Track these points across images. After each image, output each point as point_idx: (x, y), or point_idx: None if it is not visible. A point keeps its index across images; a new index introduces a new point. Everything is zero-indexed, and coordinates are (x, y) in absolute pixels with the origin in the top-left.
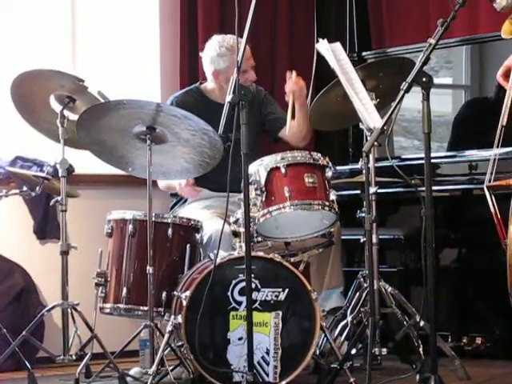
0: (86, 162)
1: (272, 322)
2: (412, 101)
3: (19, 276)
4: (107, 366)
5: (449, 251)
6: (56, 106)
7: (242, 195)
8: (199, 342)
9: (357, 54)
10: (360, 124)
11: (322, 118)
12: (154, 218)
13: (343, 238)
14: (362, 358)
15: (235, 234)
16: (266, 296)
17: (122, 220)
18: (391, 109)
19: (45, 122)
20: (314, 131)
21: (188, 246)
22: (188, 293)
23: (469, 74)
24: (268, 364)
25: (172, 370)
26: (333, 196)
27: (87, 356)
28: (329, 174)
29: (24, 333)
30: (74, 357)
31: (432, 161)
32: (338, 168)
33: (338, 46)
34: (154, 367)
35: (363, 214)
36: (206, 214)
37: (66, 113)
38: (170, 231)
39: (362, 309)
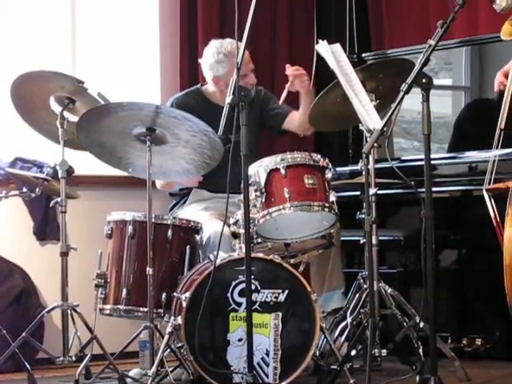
0: (86, 163)
1: (272, 324)
2: (412, 102)
3: (19, 277)
4: (107, 367)
5: (448, 252)
6: (56, 108)
7: (241, 196)
8: (199, 343)
9: (356, 55)
10: (360, 125)
11: (322, 119)
12: (153, 220)
13: (343, 239)
14: (362, 359)
15: (235, 235)
16: (266, 297)
17: (122, 221)
18: (391, 110)
19: (45, 124)
20: (314, 132)
21: (188, 247)
22: (188, 294)
23: (468, 75)
24: (268, 365)
25: (172, 372)
26: (332, 197)
27: (87, 357)
28: (329, 175)
29: (24, 334)
30: (73, 358)
31: (432, 162)
32: (338, 169)
33: (337, 47)
34: (153, 368)
35: (363, 216)
36: (205, 215)
37: (66, 114)
38: (169, 232)
39: (361, 310)
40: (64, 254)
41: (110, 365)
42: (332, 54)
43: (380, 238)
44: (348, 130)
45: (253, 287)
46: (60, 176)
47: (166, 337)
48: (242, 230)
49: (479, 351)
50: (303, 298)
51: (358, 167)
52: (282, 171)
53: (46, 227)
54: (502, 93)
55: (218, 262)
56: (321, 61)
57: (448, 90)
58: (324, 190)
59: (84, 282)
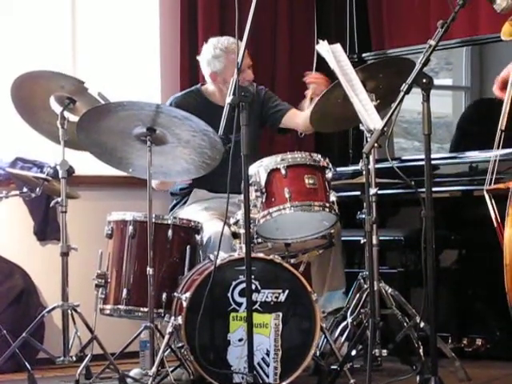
0: (86, 164)
1: (272, 324)
2: (412, 102)
3: (19, 277)
4: (107, 367)
5: (449, 252)
6: (56, 108)
7: (242, 196)
8: (199, 343)
9: (357, 56)
10: (360, 125)
11: (323, 120)
12: (154, 220)
13: (343, 239)
14: (363, 360)
15: (235, 235)
16: (266, 297)
17: (122, 221)
18: (391, 110)
19: (45, 124)
20: (314, 132)
21: (188, 247)
22: (188, 294)
23: (469, 75)
24: (268, 365)
25: (172, 372)
26: (333, 197)
27: (87, 357)
28: (329, 175)
29: (24, 334)
30: (74, 358)
31: (432, 162)
32: (339, 169)
33: (338, 47)
34: (154, 368)
35: (363, 216)
36: (205, 215)
37: (66, 114)
38: (170, 232)
39: (362, 310)
40: (64, 254)
41: (110, 365)
42: (332, 54)
43: (380, 237)
44: (348, 130)
45: (253, 287)
46: (60, 176)
47: (167, 337)
48: (242, 230)
49: (480, 351)
50: (303, 298)
51: (358, 167)
52: (283, 171)
53: (47, 227)
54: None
55: (219, 262)
56: (321, 61)
57: (448, 90)
58: (324, 190)
59: (84, 282)
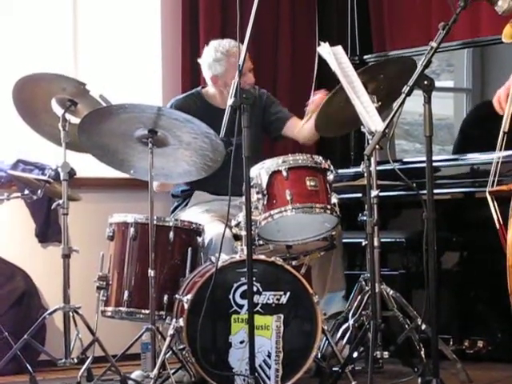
0: (88, 166)
1: (273, 326)
2: (413, 104)
3: (21, 279)
4: (109, 369)
5: (450, 254)
6: (58, 110)
7: (243, 198)
8: (201, 345)
9: (358, 57)
10: (362, 127)
11: (328, 125)
12: (155, 222)
13: (345, 241)
14: (364, 362)
15: (236, 237)
16: (268, 299)
17: (124, 223)
18: (393, 112)
19: (46, 126)
20: None
21: (190, 249)
22: (189, 296)
23: (470, 77)
24: (269, 367)
25: (174, 374)
26: (334, 199)
27: (89, 359)
28: (330, 177)
29: (25, 336)
30: (75, 360)
31: (433, 164)
32: (340, 171)
33: (339, 49)
34: (155, 370)
35: (365, 218)
36: (206, 217)
37: (68, 116)
38: (171, 234)
39: (363, 312)
40: (66, 256)
41: (111, 367)
42: (334, 56)
43: (382, 239)
44: (350, 132)
45: (254, 289)
46: (62, 178)
47: (168, 339)
48: (243, 232)
49: (481, 353)
50: (305, 300)
51: (359, 169)
52: (284, 173)
53: (48, 229)
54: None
55: (220, 264)
56: (322, 63)
57: (450, 92)
58: (326, 192)
59: (86, 284)
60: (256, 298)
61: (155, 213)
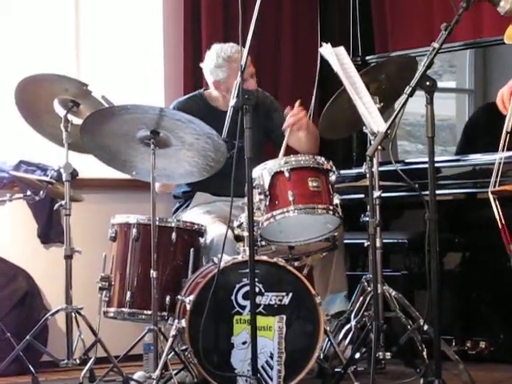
0: (90, 166)
1: (276, 326)
2: (416, 105)
3: (23, 280)
4: (111, 370)
5: (453, 255)
6: (60, 111)
7: (245, 199)
8: (203, 346)
9: (360, 58)
10: (364, 128)
11: (331, 127)
12: (157, 222)
13: (347, 242)
14: (366, 362)
15: (238, 238)
16: (270, 300)
17: (126, 224)
18: (395, 113)
19: (48, 127)
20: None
21: (192, 250)
22: (192, 297)
23: (472, 77)
24: (272, 368)
25: (176, 374)
26: (337, 200)
27: (91, 360)
28: (333, 178)
29: (28, 337)
30: (77, 361)
31: (436, 165)
32: (342, 172)
33: (341, 50)
34: (157, 371)
35: (367, 218)
36: (208, 218)
37: (70, 117)
38: (173, 235)
39: (365, 313)
40: (68, 257)
41: (114, 368)
42: (336, 56)
43: (384, 240)
44: (352, 133)
45: (257, 290)
46: (64, 179)
47: (170, 340)
48: (245, 233)
49: (483, 354)
50: (307, 300)
51: (362, 170)
52: (286, 174)
53: (50, 230)
54: None
55: (222, 264)
56: (324, 64)
57: (452, 93)
58: (328, 192)
59: (88, 284)
60: (258, 299)
61: (157, 214)
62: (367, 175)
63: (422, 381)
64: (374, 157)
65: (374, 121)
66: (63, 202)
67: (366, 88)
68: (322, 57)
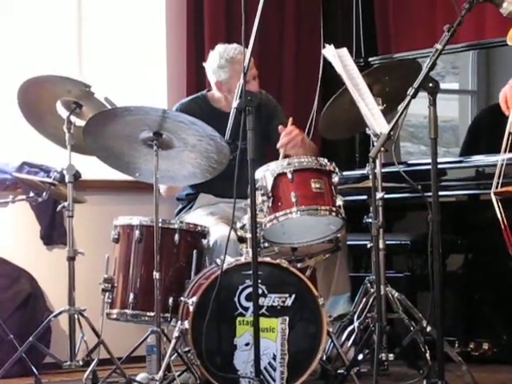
0: (93, 168)
1: (279, 328)
2: (418, 106)
3: (26, 282)
4: (114, 371)
5: (455, 257)
6: (63, 112)
7: (248, 201)
8: (206, 347)
9: (363, 60)
10: (366, 129)
11: (332, 127)
12: (160, 224)
13: (350, 243)
14: (369, 364)
15: (241, 239)
16: (273, 301)
17: (129, 226)
18: (398, 114)
19: (51, 128)
20: (320, 137)
21: (195, 251)
22: (195, 298)
23: (475, 79)
24: (275, 370)
25: (179, 376)
26: (339, 201)
27: (94, 362)
28: (335, 179)
29: (31, 338)
30: (80, 362)
31: (438, 166)
32: (345, 173)
33: (344, 51)
34: (160, 373)
35: (370, 220)
36: (211, 219)
37: (73, 119)
38: (176, 237)
39: (368, 314)
40: (71, 259)
41: (117, 369)
42: (339, 58)
43: (387, 242)
44: (355, 134)
45: (260, 291)
46: (67, 180)
47: (173, 341)
48: (248, 235)
49: (486, 355)
50: (310, 302)
51: (364, 171)
52: (289, 175)
53: (53, 232)
54: None
55: (225, 266)
56: (327, 65)
57: (455, 94)
58: (331, 194)
59: (91, 286)
60: (261, 301)
61: (160, 215)
62: (370, 176)
63: (425, 382)
64: (377, 158)
65: (376, 122)
66: (66, 204)
67: (369, 89)
68: (324, 58)
